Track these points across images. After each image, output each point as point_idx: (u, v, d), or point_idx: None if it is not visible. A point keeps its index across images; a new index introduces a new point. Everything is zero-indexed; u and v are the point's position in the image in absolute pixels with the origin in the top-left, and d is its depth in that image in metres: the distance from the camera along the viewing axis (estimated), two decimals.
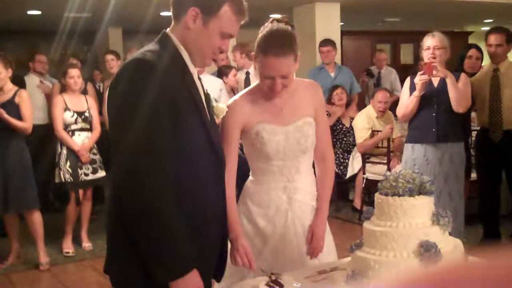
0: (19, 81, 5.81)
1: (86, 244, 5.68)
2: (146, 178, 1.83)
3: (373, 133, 6.44)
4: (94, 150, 5.60)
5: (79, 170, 5.44)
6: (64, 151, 5.43)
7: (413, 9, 10.23)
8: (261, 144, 2.42)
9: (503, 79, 4.92)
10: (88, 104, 5.63)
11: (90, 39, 9.47)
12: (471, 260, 1.91)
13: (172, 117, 1.89)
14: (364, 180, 6.47)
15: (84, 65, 7.33)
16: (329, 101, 7.04)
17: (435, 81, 4.45)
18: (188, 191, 1.96)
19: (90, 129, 5.58)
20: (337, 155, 6.90)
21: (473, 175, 5.39)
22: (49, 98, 6.44)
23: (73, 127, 5.49)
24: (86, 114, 5.56)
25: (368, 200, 6.37)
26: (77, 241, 5.70)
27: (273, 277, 2.13)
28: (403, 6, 9.64)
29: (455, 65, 5.16)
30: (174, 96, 1.91)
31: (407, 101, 4.49)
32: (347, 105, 7.17)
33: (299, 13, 8.84)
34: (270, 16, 2.55)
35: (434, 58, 4.33)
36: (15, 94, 5.01)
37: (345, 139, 7.00)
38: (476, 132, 5.46)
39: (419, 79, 4.34)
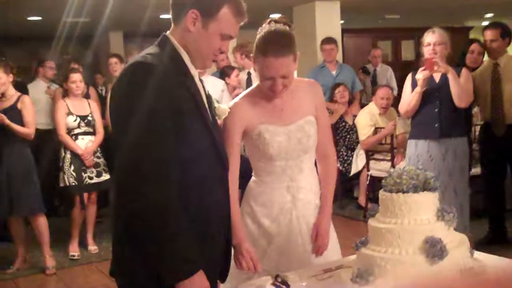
0: (21, 87, 5.83)
1: (92, 247, 5.70)
2: (149, 180, 1.83)
3: (376, 130, 6.44)
4: (98, 154, 5.62)
5: (83, 173, 5.46)
6: (68, 155, 5.45)
7: (413, 6, 10.22)
8: (264, 145, 2.43)
9: (503, 74, 4.91)
10: (90, 108, 5.65)
11: (91, 43, 9.48)
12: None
13: (174, 119, 1.89)
14: (368, 177, 6.47)
15: (85, 69, 7.34)
16: (331, 99, 7.04)
17: (437, 77, 4.44)
18: (192, 193, 1.96)
19: (93, 133, 5.60)
20: (341, 153, 6.90)
21: (474, 170, 5.37)
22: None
23: (76, 131, 5.51)
24: (89, 118, 5.57)
25: (373, 197, 6.36)
26: (83, 244, 5.72)
27: (279, 279, 2.13)
28: (403, 2, 9.64)
29: (457, 60, 5.14)
30: (175, 99, 1.91)
31: (409, 97, 4.49)
32: (350, 103, 7.17)
33: (299, 12, 8.84)
34: (270, 16, 2.55)
35: (435, 54, 4.32)
36: (17, 100, 5.03)
37: (348, 136, 7.00)
38: (479, 126, 5.46)
39: (421, 75, 4.34)
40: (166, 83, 1.89)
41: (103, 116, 5.89)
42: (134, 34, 9.46)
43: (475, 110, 5.54)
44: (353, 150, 6.90)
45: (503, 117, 4.91)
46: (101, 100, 6.75)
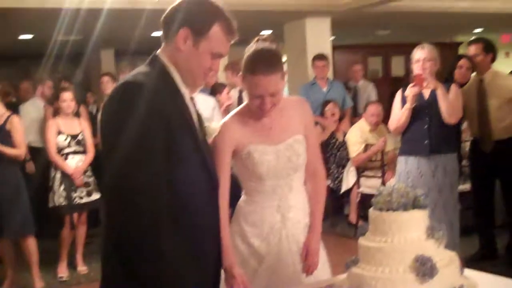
0: (12, 107, 5.85)
1: (82, 268, 5.66)
2: (140, 198, 1.82)
3: (367, 146, 6.45)
4: (89, 173, 5.59)
5: (73, 193, 5.42)
6: (58, 175, 5.42)
7: (403, 22, 10.30)
8: (253, 165, 2.43)
9: (488, 90, 4.93)
10: (81, 126, 5.64)
11: (82, 61, 9.48)
12: None
13: (165, 138, 1.89)
14: (359, 195, 6.46)
15: (76, 87, 7.35)
16: (322, 115, 7.06)
17: (426, 93, 4.46)
18: (183, 212, 1.96)
19: (83, 152, 5.58)
20: (331, 170, 6.91)
21: (462, 186, 5.38)
22: None
23: (67, 150, 5.49)
24: (80, 137, 5.55)
25: (364, 214, 6.35)
26: (72, 265, 5.67)
27: None
28: (393, 19, 9.71)
29: (446, 76, 5.17)
30: (166, 118, 1.91)
31: (399, 113, 4.51)
32: (340, 119, 7.19)
33: (290, 29, 8.89)
34: (261, 33, 2.57)
35: (424, 70, 4.35)
36: (6, 121, 4.99)
37: (338, 153, 7.00)
38: (469, 142, 5.47)
39: (410, 91, 4.36)
40: (157, 102, 1.89)
41: (94, 134, 5.88)
42: (125, 52, 9.48)
43: (465, 126, 5.55)
44: (343, 167, 6.90)
45: (490, 133, 4.92)
46: (92, 118, 6.74)
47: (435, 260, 1.94)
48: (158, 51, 2.08)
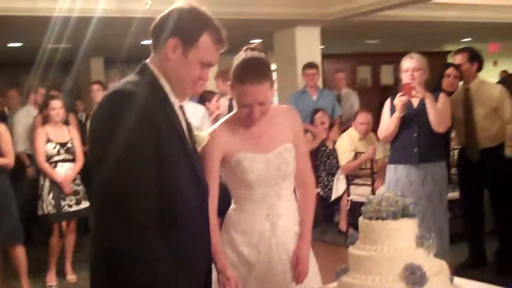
0: (1, 116, 5.84)
1: (71, 277, 5.63)
2: (129, 208, 1.82)
3: (356, 155, 6.47)
4: (78, 181, 5.57)
5: (62, 201, 5.40)
6: (47, 183, 5.40)
7: (392, 31, 10.37)
8: (242, 173, 2.43)
9: (474, 99, 4.96)
10: (70, 135, 5.62)
11: (71, 69, 9.47)
12: None
13: (154, 147, 1.89)
14: (349, 202, 6.48)
15: (66, 95, 7.35)
16: (312, 123, 7.08)
17: (415, 102, 4.49)
18: (172, 222, 1.95)
19: (73, 160, 5.56)
20: (321, 178, 6.92)
21: (451, 194, 5.41)
22: None
23: (56, 158, 5.47)
24: (69, 145, 5.54)
25: (354, 222, 6.36)
26: (61, 273, 5.63)
27: None
28: (382, 28, 9.77)
29: (434, 84, 5.20)
30: (155, 127, 1.91)
31: (388, 122, 4.53)
32: (330, 127, 7.21)
33: (279, 37, 8.92)
34: (251, 41, 2.58)
35: (413, 79, 4.37)
36: None
37: (328, 161, 7.02)
38: (457, 151, 5.50)
39: (399, 100, 4.38)
40: (146, 111, 1.89)
41: (83, 143, 5.86)
42: (115, 60, 9.47)
43: (453, 134, 5.58)
44: (333, 175, 6.91)
45: (476, 142, 4.95)
46: (81, 126, 6.73)
47: (425, 269, 1.95)
48: (147, 60, 2.08)
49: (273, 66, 5.03)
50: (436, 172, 4.47)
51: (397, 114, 4.42)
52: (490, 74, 11.64)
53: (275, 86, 2.46)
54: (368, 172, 6.31)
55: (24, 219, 5.24)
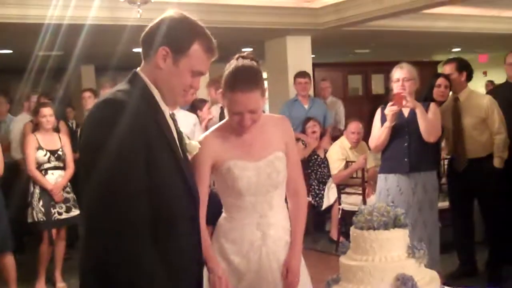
0: None
1: (60, 285, 5.59)
2: (120, 213, 1.81)
3: (347, 164, 6.48)
4: (68, 189, 5.55)
5: (52, 209, 5.37)
6: (37, 190, 5.37)
7: (383, 41, 10.42)
8: (233, 180, 2.43)
9: (463, 109, 4.98)
10: (61, 142, 5.60)
11: (62, 76, 9.44)
12: None
13: (145, 157, 1.89)
14: (340, 211, 6.48)
15: (57, 103, 7.32)
16: (303, 132, 7.09)
17: (406, 112, 4.50)
18: (164, 231, 1.95)
19: (63, 168, 5.54)
20: (313, 187, 6.93)
21: (441, 204, 5.41)
22: None
23: (46, 165, 5.45)
24: (59, 152, 5.52)
25: (345, 230, 6.37)
26: (51, 281, 5.60)
27: None
28: (372, 38, 9.82)
29: (425, 94, 5.22)
30: (146, 135, 1.91)
31: (379, 132, 4.53)
32: (321, 136, 7.22)
33: (270, 46, 8.94)
34: (242, 50, 2.58)
35: (403, 89, 4.39)
36: None
37: (320, 170, 7.03)
38: (448, 160, 5.52)
39: (389, 110, 4.39)
40: (137, 119, 1.89)
41: (74, 150, 5.84)
42: (106, 68, 9.45)
43: (444, 144, 5.60)
44: (324, 183, 6.92)
45: (464, 152, 4.96)
46: (72, 134, 6.70)
47: (416, 279, 1.96)
48: (138, 68, 2.08)
49: (265, 75, 5.02)
50: (427, 181, 4.48)
51: (388, 123, 4.44)
52: (480, 84, 11.71)
53: (266, 94, 2.46)
54: (359, 181, 6.32)
55: (15, 227, 5.20)
